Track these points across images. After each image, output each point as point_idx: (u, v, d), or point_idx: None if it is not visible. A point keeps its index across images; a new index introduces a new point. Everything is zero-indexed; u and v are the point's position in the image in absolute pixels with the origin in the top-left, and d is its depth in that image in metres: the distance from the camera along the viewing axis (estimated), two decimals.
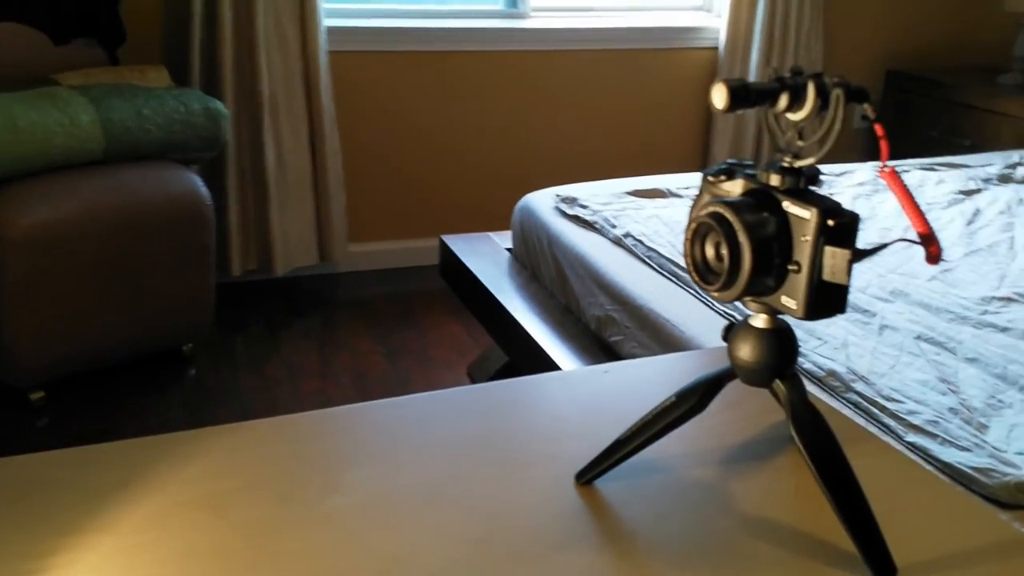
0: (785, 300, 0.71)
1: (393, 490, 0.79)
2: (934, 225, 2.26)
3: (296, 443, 0.87)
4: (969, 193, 2.65)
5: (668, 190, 2.51)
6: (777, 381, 0.76)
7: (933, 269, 2.09)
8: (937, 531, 0.76)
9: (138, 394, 2.58)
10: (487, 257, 2.52)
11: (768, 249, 0.70)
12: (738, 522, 0.76)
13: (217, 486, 0.80)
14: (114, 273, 2.47)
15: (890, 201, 2.56)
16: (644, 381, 0.96)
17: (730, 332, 0.77)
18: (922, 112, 3.78)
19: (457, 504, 0.78)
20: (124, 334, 2.55)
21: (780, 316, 0.75)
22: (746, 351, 0.75)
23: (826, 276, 0.69)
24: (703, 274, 0.73)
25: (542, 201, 2.48)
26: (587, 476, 0.80)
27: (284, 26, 3.04)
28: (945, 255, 2.16)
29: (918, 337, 1.76)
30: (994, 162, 2.93)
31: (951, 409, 1.51)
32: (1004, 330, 1.80)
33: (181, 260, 2.58)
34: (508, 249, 2.57)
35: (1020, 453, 1.38)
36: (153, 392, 2.60)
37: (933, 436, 1.44)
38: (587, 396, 0.94)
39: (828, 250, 0.68)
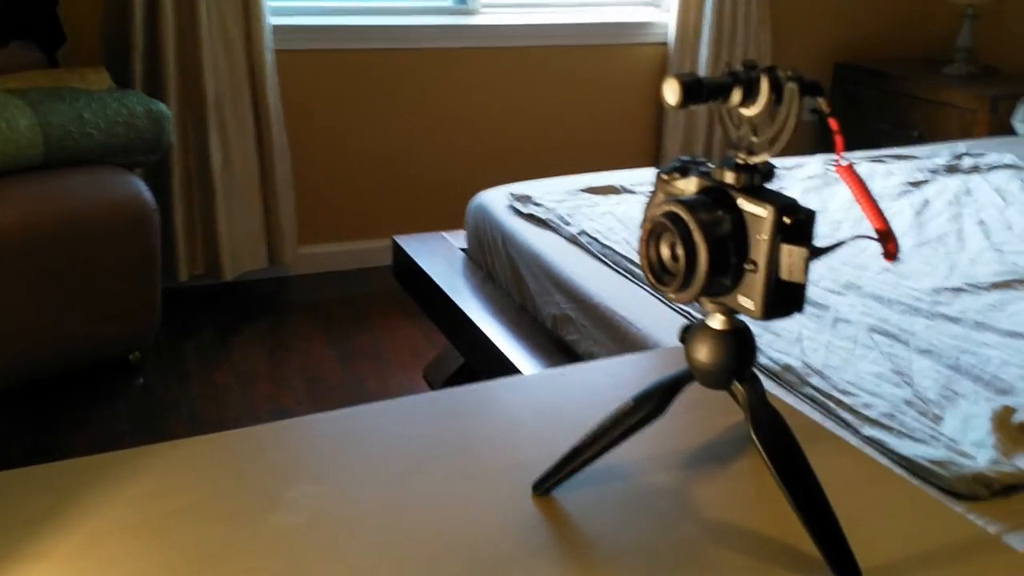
0: (742, 300, 0.69)
1: (343, 507, 0.76)
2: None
3: (241, 459, 0.83)
4: (917, 184, 2.67)
5: (622, 186, 2.50)
6: (736, 383, 0.74)
7: (884, 261, 2.10)
8: (901, 531, 0.75)
9: (85, 406, 2.51)
10: (441, 257, 2.49)
11: (724, 248, 0.68)
12: (700, 529, 0.75)
13: (157, 508, 0.76)
14: (56, 282, 2.40)
15: (840, 195, 2.57)
16: (601, 384, 0.94)
17: (687, 333, 0.76)
18: (870, 104, 3.82)
19: (410, 520, 0.75)
20: (68, 344, 2.47)
21: (737, 316, 0.73)
22: (703, 353, 0.74)
23: (783, 275, 0.67)
24: (659, 275, 0.71)
25: (496, 199, 2.45)
26: (545, 485, 0.78)
27: (228, 25, 2.98)
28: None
29: (871, 329, 1.76)
30: (941, 153, 2.96)
31: (906, 401, 1.51)
32: (956, 320, 1.81)
33: (125, 267, 2.51)
34: (462, 249, 2.54)
35: (976, 444, 1.38)
36: (100, 403, 2.54)
37: (889, 429, 1.44)
38: (544, 401, 0.91)
39: (785, 248, 0.67)
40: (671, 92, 0.67)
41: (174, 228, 3.00)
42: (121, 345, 2.63)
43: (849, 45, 4.02)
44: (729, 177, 0.70)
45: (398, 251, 2.53)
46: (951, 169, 2.81)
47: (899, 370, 1.61)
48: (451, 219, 3.03)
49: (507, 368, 1.96)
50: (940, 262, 2.12)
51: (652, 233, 0.71)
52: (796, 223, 0.67)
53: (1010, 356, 1.66)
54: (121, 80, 2.85)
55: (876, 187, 2.63)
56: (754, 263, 0.68)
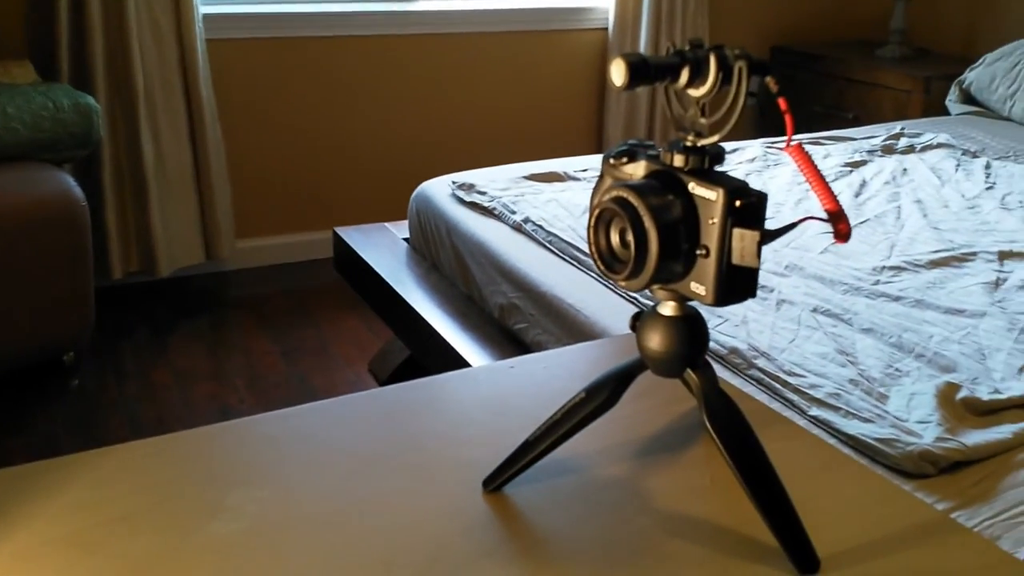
0: (694, 286, 0.68)
1: (285, 512, 0.73)
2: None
3: (178, 465, 0.79)
4: (855, 165, 2.70)
5: (566, 173, 2.48)
6: (689, 370, 0.73)
7: (825, 241, 2.12)
8: (857, 517, 0.74)
9: (17, 410, 2.42)
10: (384, 248, 2.45)
11: (675, 233, 0.66)
12: (656, 520, 0.73)
13: (90, 519, 0.72)
14: None
15: (781, 177, 2.59)
16: (551, 375, 0.91)
17: (638, 321, 0.74)
18: (807, 87, 3.86)
19: (356, 523, 0.72)
20: None
21: (689, 303, 0.71)
22: (656, 341, 0.72)
23: (735, 260, 0.66)
24: (609, 263, 0.69)
25: (439, 189, 2.42)
26: (495, 482, 0.75)
27: (157, 15, 2.89)
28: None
29: (814, 310, 1.77)
30: (878, 133, 3.00)
31: (851, 380, 1.52)
32: (897, 299, 1.83)
33: (56, 265, 2.42)
34: (405, 239, 2.50)
35: (921, 422, 1.39)
36: (34, 407, 2.45)
37: (836, 409, 1.44)
38: (493, 394, 0.89)
39: (737, 232, 0.65)
40: (617, 72, 0.65)
41: (106, 225, 2.91)
42: (54, 346, 2.55)
43: (785, 28, 4.06)
44: (678, 160, 0.68)
45: (339, 243, 2.49)
46: (887, 150, 2.85)
47: (843, 350, 1.62)
48: (394, 210, 2.99)
49: (454, 359, 1.93)
50: (880, 241, 2.14)
51: (600, 219, 0.69)
52: (747, 206, 0.65)
53: (951, 333, 1.68)
54: (47, 73, 2.75)
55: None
56: (706, 248, 0.66)
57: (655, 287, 0.70)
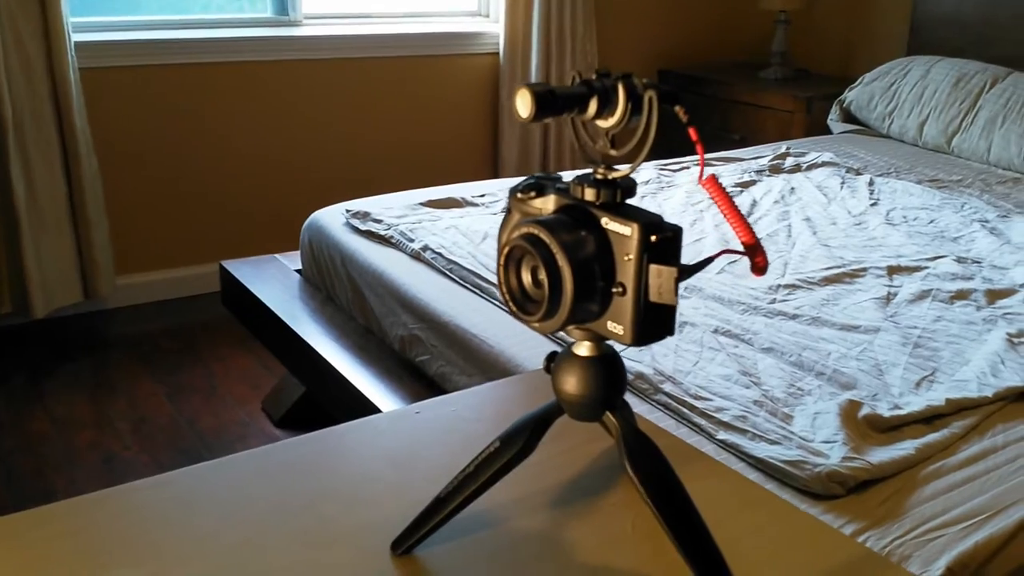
0: (612, 326, 0.64)
1: None
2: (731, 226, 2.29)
3: (45, 542, 0.71)
4: (745, 185, 2.75)
5: (464, 199, 2.45)
6: (607, 413, 0.69)
7: (721, 261, 2.14)
8: (784, 556, 0.71)
9: None
10: (275, 281, 2.36)
11: (590, 271, 0.62)
12: (578, 574, 0.69)
13: None
14: None
15: (675, 197, 2.61)
16: (461, 419, 0.86)
17: (553, 363, 0.70)
18: (694, 110, 3.89)
19: None
20: None
21: (606, 341, 0.68)
22: (572, 384, 0.68)
23: (653, 297, 0.62)
24: (521, 303, 0.65)
25: (332, 218, 2.34)
26: (405, 544, 0.70)
27: (25, 43, 2.73)
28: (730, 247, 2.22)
29: (716, 331, 1.77)
30: (764, 153, 3.06)
31: (756, 402, 1.52)
32: (794, 317, 1.85)
33: None
34: (298, 271, 2.42)
35: (826, 441, 1.39)
36: None
37: (743, 432, 1.44)
38: (399, 444, 0.83)
39: (654, 268, 0.62)
40: (523, 104, 0.61)
41: None
42: None
43: (671, 52, 4.13)
44: (589, 194, 0.64)
45: (227, 276, 2.39)
46: (775, 169, 2.91)
47: (746, 371, 1.63)
48: (285, 240, 2.90)
49: (352, 395, 1.86)
50: (773, 260, 2.17)
51: (510, 257, 0.65)
52: (663, 241, 0.62)
53: (848, 349, 1.71)
54: None
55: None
56: (622, 286, 0.63)
57: (570, 327, 0.66)
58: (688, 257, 2.25)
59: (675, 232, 0.63)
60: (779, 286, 2.01)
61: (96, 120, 2.94)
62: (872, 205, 2.59)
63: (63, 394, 2.62)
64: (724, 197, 0.64)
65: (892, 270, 2.08)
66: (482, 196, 2.47)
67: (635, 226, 0.62)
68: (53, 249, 2.88)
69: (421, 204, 2.39)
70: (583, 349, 0.68)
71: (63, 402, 2.58)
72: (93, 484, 2.17)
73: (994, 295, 1.96)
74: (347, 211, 2.33)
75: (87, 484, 2.21)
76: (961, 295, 1.95)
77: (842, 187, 2.74)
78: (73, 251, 2.93)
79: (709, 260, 0.66)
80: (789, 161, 2.98)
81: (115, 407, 2.57)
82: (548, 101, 0.61)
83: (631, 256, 0.62)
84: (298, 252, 2.44)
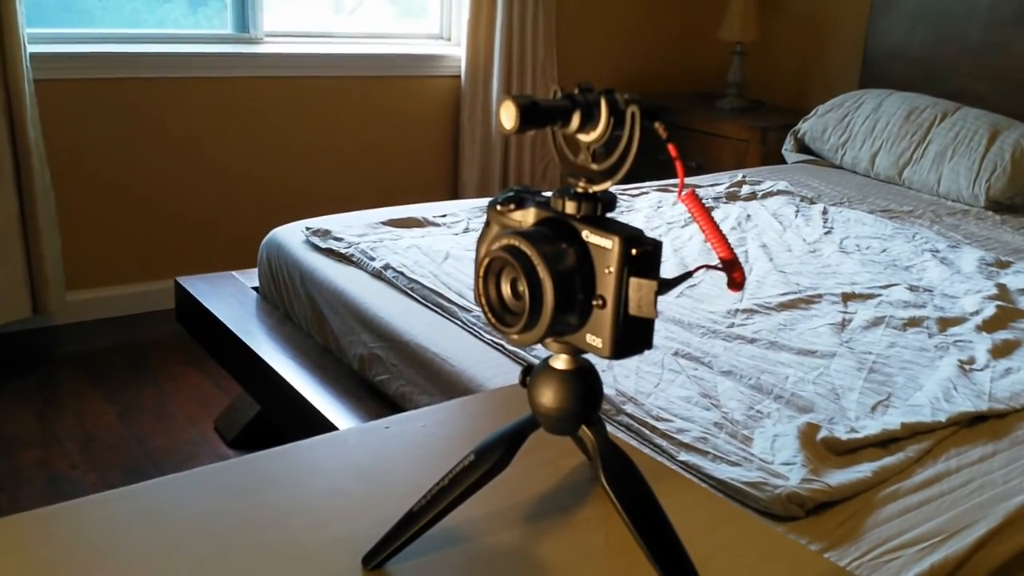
0: (590, 339, 0.64)
1: None
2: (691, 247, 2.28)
3: None
4: None
5: (425, 219, 2.44)
6: (583, 427, 0.69)
7: (681, 287, 2.15)
8: (756, 574, 0.72)
9: None
10: (231, 299, 2.33)
11: (570, 284, 0.63)
12: None
13: None
14: None
15: (641, 212, 2.64)
16: (431, 435, 0.85)
17: (529, 376, 0.70)
18: (652, 136, 3.97)
19: None
20: None
21: (583, 355, 0.68)
22: (549, 397, 0.68)
23: (632, 310, 0.63)
24: (500, 315, 0.65)
25: (291, 235, 2.32)
26: (377, 559, 0.69)
27: None
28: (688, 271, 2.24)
29: (676, 353, 1.78)
30: (721, 181, 3.10)
31: (716, 424, 1.53)
32: (752, 341, 1.87)
33: None
34: (255, 288, 2.39)
35: (786, 463, 1.41)
36: None
37: (704, 453, 1.44)
38: (368, 459, 0.82)
39: (634, 282, 0.62)
40: (507, 115, 0.61)
41: None
42: None
43: (630, 79, 4.18)
44: (570, 207, 0.65)
45: (181, 293, 2.35)
46: (731, 196, 2.95)
47: (706, 393, 1.64)
48: (242, 258, 2.87)
49: (310, 414, 1.84)
50: None
51: (490, 269, 0.65)
52: (644, 254, 0.62)
53: (805, 373, 1.73)
54: None
55: (666, 216, 2.71)
56: (602, 298, 0.63)
57: (548, 340, 0.66)
58: None
59: (655, 246, 0.63)
60: (737, 310, 2.03)
61: (50, 133, 2.89)
62: (826, 233, 2.63)
63: (8, 412, 2.55)
64: (703, 212, 0.65)
65: (847, 297, 2.12)
66: (443, 216, 2.47)
67: (616, 239, 0.62)
68: (2, 263, 2.82)
69: (382, 223, 2.38)
70: (560, 362, 0.68)
71: (8, 419, 2.51)
72: (38, 503, 2.11)
73: (945, 323, 2.00)
74: (307, 228, 2.31)
75: (31, 503, 2.14)
76: (914, 322, 1.99)
77: (797, 215, 2.78)
78: (23, 265, 2.87)
79: (688, 275, 0.66)
80: (745, 189, 3.02)
81: (62, 425, 2.50)
82: (532, 113, 0.62)
83: (612, 269, 0.62)
84: (255, 270, 2.42)
